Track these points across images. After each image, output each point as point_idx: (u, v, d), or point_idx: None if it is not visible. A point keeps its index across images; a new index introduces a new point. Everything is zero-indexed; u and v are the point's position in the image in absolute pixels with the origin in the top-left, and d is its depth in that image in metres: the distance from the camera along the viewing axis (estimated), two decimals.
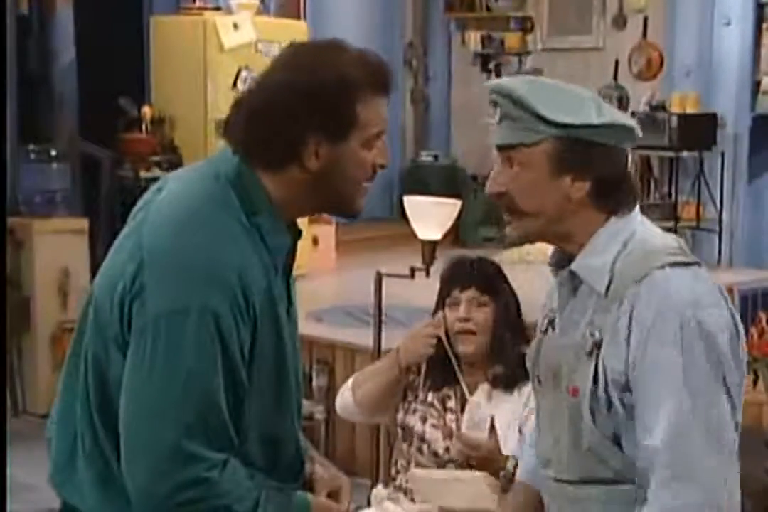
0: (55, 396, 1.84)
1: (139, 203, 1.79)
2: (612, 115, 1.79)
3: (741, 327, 1.77)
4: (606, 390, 1.74)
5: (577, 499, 1.81)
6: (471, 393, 2.73)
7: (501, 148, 1.81)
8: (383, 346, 3.67)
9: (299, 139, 1.68)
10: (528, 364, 1.93)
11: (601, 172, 1.76)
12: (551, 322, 1.88)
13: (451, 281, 2.77)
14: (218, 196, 1.69)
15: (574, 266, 1.81)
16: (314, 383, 4.78)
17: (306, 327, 4.86)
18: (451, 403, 2.74)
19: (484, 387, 2.72)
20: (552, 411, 1.85)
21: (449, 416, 2.73)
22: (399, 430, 2.77)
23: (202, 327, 1.59)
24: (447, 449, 2.68)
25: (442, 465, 2.69)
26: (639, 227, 1.80)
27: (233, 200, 1.68)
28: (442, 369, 2.73)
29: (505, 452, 2.55)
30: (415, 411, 2.75)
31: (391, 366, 2.72)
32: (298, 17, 7.24)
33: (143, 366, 1.60)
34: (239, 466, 1.67)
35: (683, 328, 1.68)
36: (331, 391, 4.76)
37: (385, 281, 3.97)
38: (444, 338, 2.69)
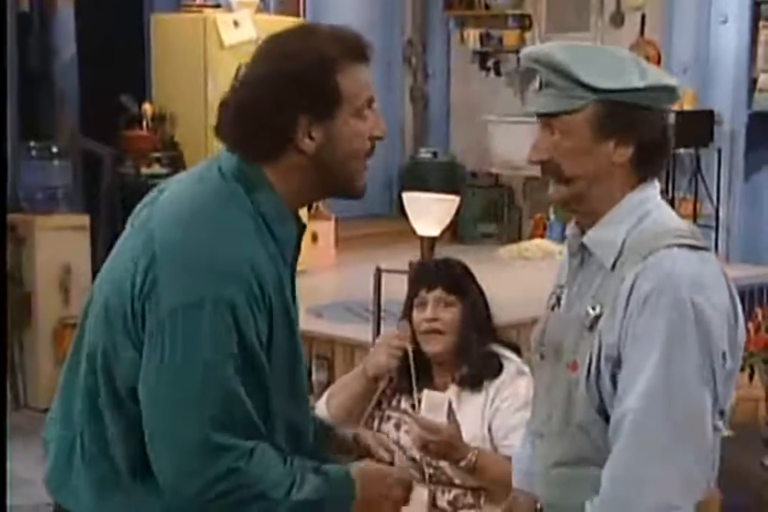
0: (55, 392, 1.82)
1: (141, 204, 1.79)
2: (654, 75, 1.77)
3: (741, 316, 1.76)
4: (599, 366, 1.72)
5: (562, 481, 1.80)
6: (444, 385, 2.70)
7: (542, 116, 1.78)
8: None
9: (289, 124, 1.67)
10: (533, 342, 1.91)
11: (644, 135, 1.75)
12: (558, 299, 1.87)
13: (418, 282, 2.76)
14: (224, 190, 1.69)
15: (585, 238, 1.80)
16: (314, 378, 4.77)
17: (306, 322, 4.82)
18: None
19: (452, 389, 2.69)
20: (549, 385, 1.84)
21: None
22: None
23: (218, 319, 1.58)
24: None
25: (420, 470, 2.67)
26: (655, 208, 1.79)
27: (239, 194, 1.68)
28: (410, 372, 2.70)
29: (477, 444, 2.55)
30: (389, 418, 2.75)
31: (360, 378, 2.71)
32: (297, 14, 7.23)
33: (161, 362, 1.59)
34: (269, 450, 1.65)
35: (677, 306, 1.66)
36: (330, 385, 4.77)
37: (384, 277, 3.96)
38: (410, 346, 2.67)
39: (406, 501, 1.82)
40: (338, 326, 5.01)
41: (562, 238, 6.79)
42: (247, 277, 1.61)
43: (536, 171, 1.87)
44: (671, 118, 1.87)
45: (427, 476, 2.65)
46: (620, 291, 1.70)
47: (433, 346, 2.68)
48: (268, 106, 1.67)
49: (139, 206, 1.79)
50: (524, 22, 8.13)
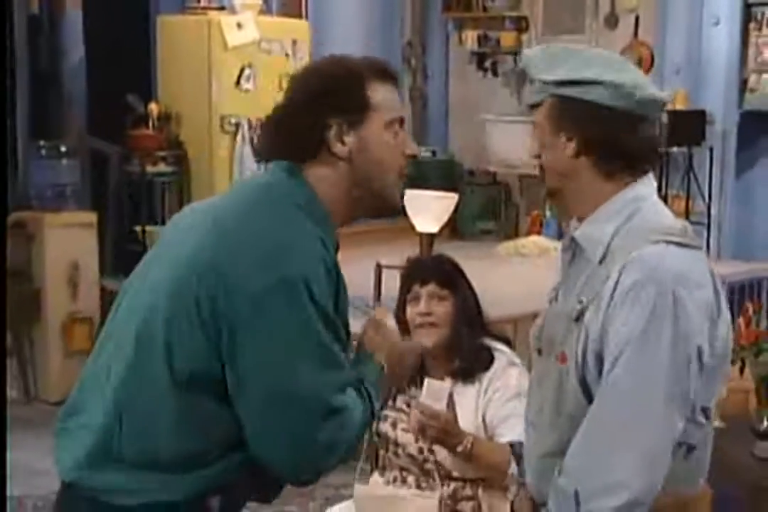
0: (64, 384, 1.82)
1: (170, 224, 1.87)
2: (600, 72, 1.76)
3: (726, 314, 1.76)
4: (585, 357, 1.73)
5: (552, 471, 1.79)
6: (438, 380, 2.71)
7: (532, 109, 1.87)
8: None
9: (320, 126, 1.74)
10: (531, 337, 1.92)
11: (588, 131, 1.76)
12: (556, 293, 1.88)
13: (412, 277, 2.78)
14: (270, 194, 1.75)
15: (576, 233, 1.82)
16: None
17: None
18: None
19: (447, 381, 2.70)
20: (541, 377, 1.85)
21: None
22: (376, 438, 2.77)
23: (301, 295, 1.62)
24: (420, 450, 2.69)
25: (419, 466, 2.70)
26: (647, 206, 1.79)
27: (293, 196, 1.74)
28: None
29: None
30: (386, 418, 2.76)
31: None
32: (300, 16, 7.23)
33: (262, 344, 1.62)
34: (351, 391, 1.73)
35: (658, 297, 1.67)
36: None
37: (384, 273, 3.98)
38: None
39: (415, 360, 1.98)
40: None
41: (558, 235, 6.80)
42: (323, 256, 1.67)
43: (532, 169, 1.90)
44: (658, 121, 1.87)
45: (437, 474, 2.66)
46: (605, 284, 1.71)
47: (427, 339, 2.69)
48: (300, 110, 1.75)
49: (167, 226, 1.88)
50: (521, 24, 8.13)
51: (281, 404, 1.63)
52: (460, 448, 2.52)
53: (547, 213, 7.41)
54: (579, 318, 1.75)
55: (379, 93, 1.78)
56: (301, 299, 1.62)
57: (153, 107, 6.01)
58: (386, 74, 1.81)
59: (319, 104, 1.74)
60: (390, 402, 2.75)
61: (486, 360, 2.69)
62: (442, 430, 2.50)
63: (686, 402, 1.70)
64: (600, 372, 1.72)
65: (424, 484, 2.70)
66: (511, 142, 7.27)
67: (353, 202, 1.80)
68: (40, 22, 6.01)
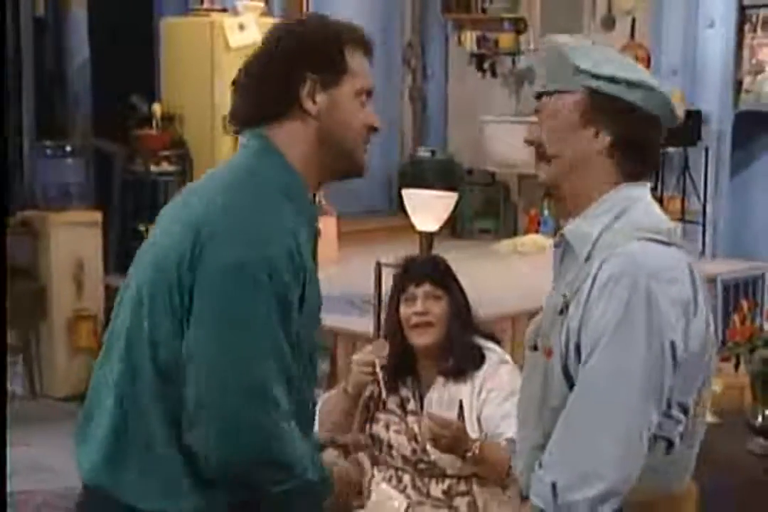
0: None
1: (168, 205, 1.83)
2: (645, 76, 1.80)
3: (704, 313, 1.75)
4: (567, 349, 1.74)
5: (533, 465, 1.79)
6: (428, 387, 2.72)
7: (539, 96, 1.84)
8: (382, 333, 3.67)
9: (295, 81, 1.72)
10: (526, 334, 1.91)
11: (622, 131, 1.77)
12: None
13: (406, 277, 2.77)
14: (253, 168, 1.73)
15: (566, 230, 1.82)
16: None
17: None
18: (411, 405, 2.73)
19: (439, 381, 2.71)
20: (530, 372, 1.85)
21: (410, 418, 2.72)
22: (370, 441, 2.74)
23: (261, 280, 1.60)
24: (414, 451, 2.68)
25: (413, 466, 2.69)
26: (638, 207, 1.79)
27: (267, 171, 1.73)
28: (399, 367, 2.72)
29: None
30: (378, 420, 2.75)
31: (343, 395, 2.72)
32: None
33: (212, 322, 1.60)
34: (295, 428, 1.67)
35: (632, 292, 1.67)
36: (332, 376, 4.78)
37: (384, 271, 3.98)
38: (377, 360, 2.67)
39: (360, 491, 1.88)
40: (340, 318, 5.02)
41: (555, 233, 6.81)
42: (289, 245, 1.64)
43: (530, 169, 1.90)
44: (663, 131, 1.87)
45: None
46: (587, 278, 1.72)
47: (423, 339, 2.69)
48: (276, 63, 1.73)
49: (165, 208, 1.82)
50: (519, 26, 8.12)
51: (219, 376, 1.59)
52: (469, 454, 2.50)
53: (545, 212, 7.41)
54: (562, 311, 1.75)
55: (356, 59, 1.77)
56: (258, 282, 1.60)
57: (157, 108, 6.01)
58: (364, 42, 1.79)
59: (298, 58, 1.73)
60: (381, 405, 2.74)
61: (477, 358, 2.69)
62: (454, 438, 2.48)
63: (660, 394, 1.70)
64: (580, 365, 1.72)
65: (419, 483, 2.69)
66: (510, 142, 7.27)
67: (322, 163, 1.78)
68: (46, 24, 6.01)
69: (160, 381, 1.66)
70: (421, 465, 2.68)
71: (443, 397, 2.68)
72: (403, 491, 2.70)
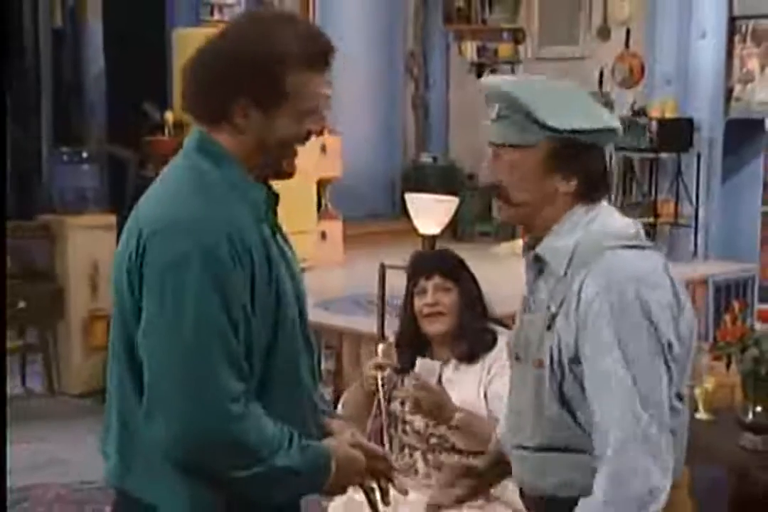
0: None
1: None
2: (600, 117, 1.79)
3: (687, 309, 1.76)
4: (561, 362, 1.74)
5: (538, 467, 1.81)
6: (442, 367, 2.76)
7: (497, 145, 1.80)
8: (386, 332, 3.68)
9: (227, 99, 1.66)
10: (509, 344, 1.92)
11: (588, 169, 1.78)
12: (528, 303, 1.87)
13: (417, 272, 2.83)
14: (187, 164, 1.70)
15: (539, 249, 1.81)
16: (323, 367, 4.79)
17: (315, 315, 4.85)
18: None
19: (453, 362, 2.76)
20: (519, 383, 1.85)
21: None
22: (387, 419, 2.78)
23: (203, 269, 1.57)
24: (427, 425, 2.72)
25: (425, 440, 2.73)
26: (600, 213, 1.80)
27: (201, 164, 1.68)
28: (414, 352, 2.78)
29: (477, 412, 2.61)
30: (395, 397, 2.79)
31: (359, 390, 2.79)
32: None
33: (156, 318, 1.58)
34: (264, 415, 1.62)
35: (622, 301, 1.68)
36: (338, 375, 4.78)
37: (388, 272, 3.98)
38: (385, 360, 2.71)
39: (374, 472, 1.80)
40: (346, 318, 5.03)
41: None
42: (228, 232, 1.59)
43: None
44: (612, 153, 1.89)
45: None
46: (571, 290, 1.73)
47: (435, 327, 2.75)
48: (214, 79, 1.67)
49: None
50: (518, 36, 8.13)
51: (163, 370, 1.58)
52: (453, 422, 2.57)
53: None
54: (550, 326, 1.76)
55: (302, 83, 1.65)
56: (195, 272, 1.56)
57: (168, 115, 6.02)
58: (318, 61, 1.68)
59: (234, 80, 1.64)
60: (398, 384, 2.78)
61: (489, 341, 2.75)
62: (435, 403, 2.55)
63: (667, 392, 1.71)
64: (575, 377, 1.73)
65: (429, 456, 2.74)
66: None
67: (254, 163, 1.71)
68: (63, 35, 6.03)
69: (137, 378, 1.64)
70: (433, 440, 2.72)
71: (455, 377, 2.73)
72: (413, 465, 2.75)
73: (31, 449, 4.53)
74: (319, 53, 1.68)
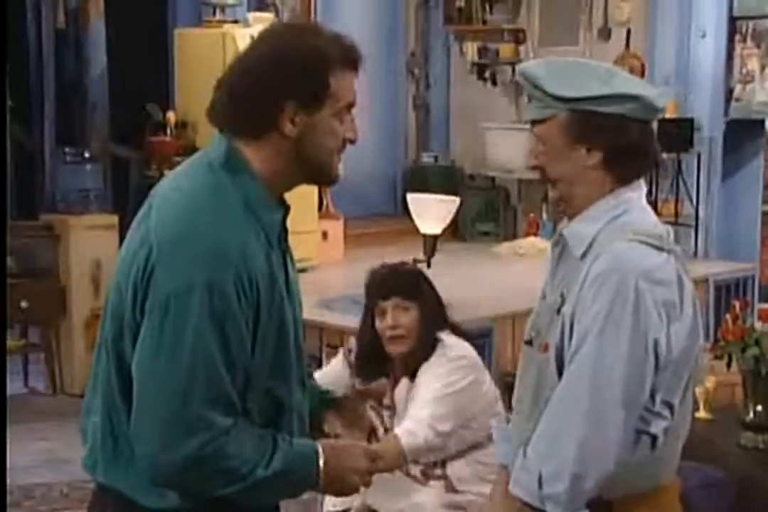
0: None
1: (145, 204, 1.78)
2: (621, 85, 1.77)
3: (688, 315, 1.73)
4: (563, 347, 1.74)
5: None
6: (397, 384, 2.76)
7: (531, 124, 1.84)
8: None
9: (277, 106, 1.66)
10: (526, 329, 1.92)
11: (612, 141, 1.76)
12: (545, 288, 1.89)
13: (375, 293, 2.79)
14: (210, 181, 1.67)
15: (565, 230, 1.83)
16: (323, 365, 4.78)
17: (317, 314, 4.87)
18: (386, 401, 2.77)
19: (404, 382, 2.75)
20: (524, 368, 1.86)
21: (385, 413, 2.78)
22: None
23: (207, 304, 1.56)
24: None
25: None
26: (632, 210, 1.79)
27: (225, 183, 1.66)
28: (374, 369, 2.76)
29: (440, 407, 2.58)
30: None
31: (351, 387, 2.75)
32: None
33: (153, 342, 1.58)
34: (247, 427, 1.62)
35: (621, 288, 1.67)
36: None
37: None
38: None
39: (372, 472, 1.77)
40: (347, 317, 5.02)
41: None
42: (237, 264, 1.59)
43: (529, 174, 1.91)
44: (653, 126, 1.86)
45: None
46: (581, 275, 1.73)
47: (398, 349, 2.73)
48: (259, 85, 1.66)
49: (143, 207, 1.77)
50: (519, 36, 8.12)
51: (149, 403, 1.58)
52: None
53: (544, 215, 7.40)
54: (559, 309, 1.76)
55: (340, 80, 1.70)
56: (194, 307, 1.55)
57: (171, 115, 6.02)
58: (352, 61, 1.72)
59: (281, 83, 1.65)
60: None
61: (431, 352, 2.72)
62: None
63: (642, 390, 1.69)
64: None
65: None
66: (510, 149, 7.27)
67: (292, 177, 1.72)
68: (66, 36, 6.03)
69: (125, 380, 1.65)
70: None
71: (407, 394, 2.73)
72: None
73: (33, 448, 4.53)
74: (354, 54, 1.73)
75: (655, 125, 1.88)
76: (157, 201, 1.69)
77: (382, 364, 2.78)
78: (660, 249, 1.73)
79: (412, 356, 2.75)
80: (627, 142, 1.77)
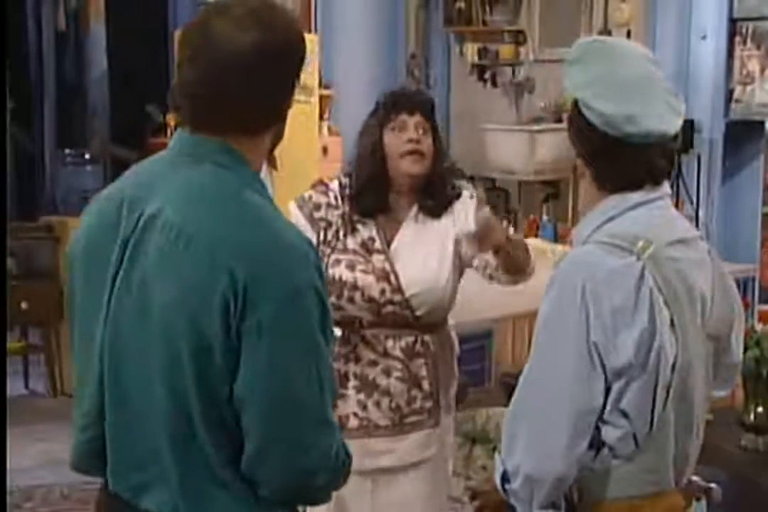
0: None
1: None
2: (612, 102, 1.71)
3: (642, 322, 1.65)
4: None
5: None
6: (399, 224, 2.58)
7: None
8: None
9: (287, 95, 1.55)
10: None
11: (586, 147, 1.76)
12: None
13: (397, 107, 2.55)
14: (236, 187, 1.53)
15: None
16: None
17: None
18: (377, 245, 2.55)
19: (412, 217, 2.58)
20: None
21: (376, 257, 2.53)
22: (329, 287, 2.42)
23: (312, 304, 1.47)
24: (382, 291, 2.50)
25: (376, 311, 2.50)
26: (632, 212, 1.75)
27: (245, 184, 1.54)
28: (370, 203, 2.56)
29: (443, 271, 2.55)
30: (339, 261, 2.52)
31: None
32: (309, 31, 7.23)
33: (279, 359, 1.45)
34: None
35: (567, 292, 1.66)
36: None
37: None
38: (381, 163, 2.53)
39: None
40: None
41: (554, 238, 6.81)
42: (315, 259, 1.51)
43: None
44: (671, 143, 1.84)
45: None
46: None
47: (415, 167, 2.53)
48: (272, 76, 1.52)
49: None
50: (519, 38, 8.13)
51: (287, 410, 1.47)
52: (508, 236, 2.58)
53: (544, 217, 7.41)
54: None
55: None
56: (311, 307, 1.47)
57: (171, 117, 6.02)
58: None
59: (290, 74, 1.55)
60: (339, 246, 2.54)
61: (454, 195, 2.64)
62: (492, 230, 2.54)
63: (588, 394, 1.65)
64: None
65: (374, 341, 2.50)
66: (510, 150, 7.27)
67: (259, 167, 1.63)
68: (67, 39, 6.04)
69: (208, 406, 1.50)
70: (389, 308, 2.50)
71: (415, 235, 2.57)
72: (353, 350, 2.52)
73: (33, 449, 4.53)
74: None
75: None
76: (197, 226, 1.48)
77: (383, 199, 2.56)
78: (630, 252, 1.67)
79: (421, 186, 2.56)
80: (601, 152, 1.74)
